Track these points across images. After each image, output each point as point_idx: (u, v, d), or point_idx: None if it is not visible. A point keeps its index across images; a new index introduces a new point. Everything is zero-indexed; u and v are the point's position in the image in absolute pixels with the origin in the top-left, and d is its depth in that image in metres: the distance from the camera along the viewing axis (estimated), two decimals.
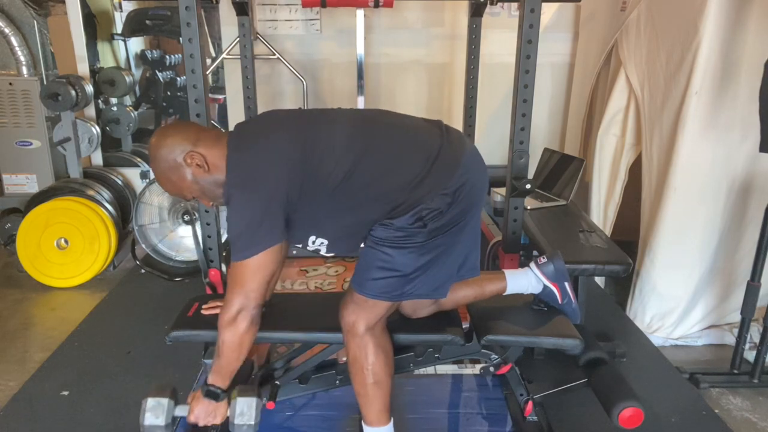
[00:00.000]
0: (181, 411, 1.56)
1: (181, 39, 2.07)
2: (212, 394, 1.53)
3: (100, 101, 3.95)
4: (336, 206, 1.48)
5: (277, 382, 1.95)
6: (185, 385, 2.17)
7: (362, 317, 1.56)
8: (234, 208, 1.44)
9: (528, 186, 2.15)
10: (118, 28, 4.43)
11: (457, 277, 1.66)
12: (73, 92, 3.27)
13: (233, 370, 1.55)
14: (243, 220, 1.42)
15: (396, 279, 1.52)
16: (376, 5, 2.99)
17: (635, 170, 2.85)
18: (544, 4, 2.09)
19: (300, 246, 1.60)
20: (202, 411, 1.54)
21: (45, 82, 3.48)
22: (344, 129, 1.50)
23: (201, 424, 1.54)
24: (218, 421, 1.55)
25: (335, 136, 1.48)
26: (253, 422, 1.52)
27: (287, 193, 1.42)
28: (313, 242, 1.57)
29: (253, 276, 1.43)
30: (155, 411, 1.52)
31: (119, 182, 3.64)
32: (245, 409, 1.53)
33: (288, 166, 1.42)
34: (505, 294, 1.84)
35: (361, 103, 3.46)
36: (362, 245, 1.57)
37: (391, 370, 1.64)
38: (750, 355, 2.37)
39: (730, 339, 2.54)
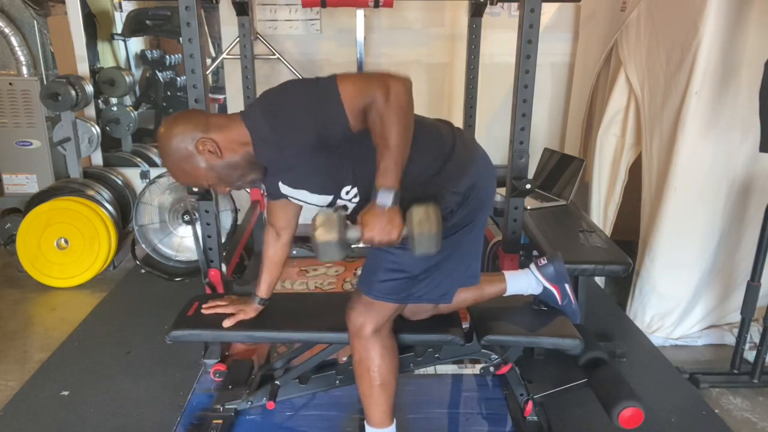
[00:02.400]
0: (353, 233, 1.36)
1: (181, 39, 2.07)
2: (384, 198, 1.31)
3: (100, 101, 3.95)
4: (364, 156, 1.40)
5: (277, 382, 1.95)
6: (185, 385, 2.18)
7: (370, 319, 1.56)
8: (286, 102, 1.36)
9: (528, 186, 2.15)
10: (118, 28, 4.43)
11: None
12: (73, 92, 3.26)
13: (405, 158, 1.34)
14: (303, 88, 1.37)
15: (404, 280, 1.52)
16: (376, 5, 2.99)
17: (635, 170, 2.85)
18: (544, 4, 2.08)
19: (330, 199, 1.53)
20: (377, 222, 1.33)
21: (45, 82, 3.48)
22: None
23: (376, 240, 1.34)
24: (395, 236, 1.34)
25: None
26: (434, 230, 1.32)
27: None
28: (347, 193, 1.50)
29: (360, 77, 1.37)
30: (326, 226, 1.32)
31: (119, 182, 3.64)
32: (424, 216, 1.32)
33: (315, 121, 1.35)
34: (504, 295, 1.84)
35: None
36: None
37: (397, 372, 1.64)
38: (750, 355, 2.37)
39: (730, 339, 2.54)
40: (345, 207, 1.53)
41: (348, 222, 1.38)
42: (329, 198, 1.52)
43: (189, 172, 1.43)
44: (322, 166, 1.44)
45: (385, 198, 1.32)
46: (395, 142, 1.31)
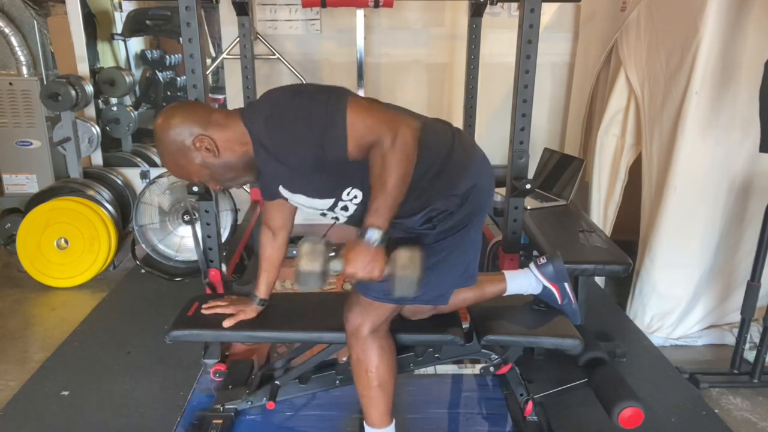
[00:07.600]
0: (336, 264, 1.37)
1: (181, 39, 2.07)
2: (372, 236, 1.32)
3: (100, 101, 3.95)
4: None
5: (277, 382, 1.95)
6: (185, 385, 2.18)
7: (367, 320, 1.56)
8: (287, 115, 1.35)
9: (528, 186, 2.15)
10: (118, 28, 4.43)
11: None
12: (73, 92, 3.26)
13: (398, 203, 1.34)
14: (304, 100, 1.35)
15: None
16: (376, 5, 2.99)
17: (635, 170, 2.85)
18: (544, 4, 2.08)
19: (332, 202, 1.51)
20: (360, 259, 1.32)
21: (45, 82, 3.48)
22: None
23: (359, 276, 1.34)
24: (376, 274, 1.34)
25: None
26: (417, 276, 1.32)
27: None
28: (348, 194, 1.49)
29: (372, 111, 1.35)
30: (311, 256, 1.34)
31: (119, 182, 3.64)
32: (408, 261, 1.33)
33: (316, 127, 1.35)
34: (504, 295, 1.84)
35: None
36: None
37: (395, 372, 1.64)
38: (750, 355, 2.37)
39: (730, 339, 2.54)
40: (337, 219, 1.54)
41: (332, 253, 1.39)
42: (330, 201, 1.51)
43: (183, 166, 1.43)
44: (322, 176, 1.44)
45: (373, 237, 1.32)
46: (392, 187, 1.31)
